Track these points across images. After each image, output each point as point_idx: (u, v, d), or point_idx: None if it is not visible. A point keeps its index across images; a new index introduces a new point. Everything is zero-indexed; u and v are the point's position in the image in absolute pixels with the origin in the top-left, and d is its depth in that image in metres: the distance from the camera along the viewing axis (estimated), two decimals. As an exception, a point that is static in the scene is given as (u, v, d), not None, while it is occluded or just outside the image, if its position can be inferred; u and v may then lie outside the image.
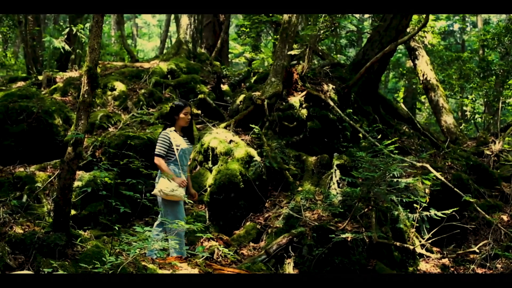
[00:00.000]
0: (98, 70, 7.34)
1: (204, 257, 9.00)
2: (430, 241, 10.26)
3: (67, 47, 21.37)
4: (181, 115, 8.45)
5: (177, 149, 8.35)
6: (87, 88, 6.93)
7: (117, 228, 7.58)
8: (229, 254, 8.77)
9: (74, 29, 21.62)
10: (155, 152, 8.34)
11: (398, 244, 9.87)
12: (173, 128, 8.47)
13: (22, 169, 12.23)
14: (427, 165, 11.60)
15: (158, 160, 8.30)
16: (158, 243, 5.67)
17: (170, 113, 8.62)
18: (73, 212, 9.80)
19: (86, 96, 6.94)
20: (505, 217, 12.07)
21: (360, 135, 14.05)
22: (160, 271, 7.32)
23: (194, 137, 9.05)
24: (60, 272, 5.37)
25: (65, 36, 22.33)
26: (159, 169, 8.31)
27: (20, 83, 19.50)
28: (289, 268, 9.31)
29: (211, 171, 11.75)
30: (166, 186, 8.09)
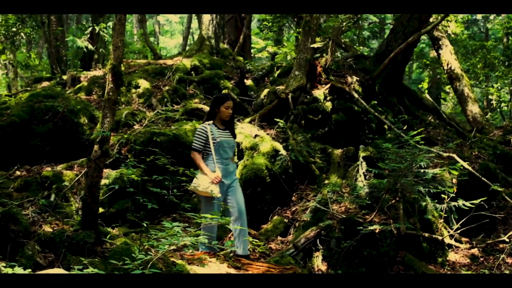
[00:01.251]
0: (122, 68, 7.35)
1: (232, 252, 9.03)
2: (458, 232, 10.20)
3: (90, 46, 21.48)
4: (222, 109, 8.25)
5: (214, 143, 8.16)
6: (112, 86, 6.95)
7: (145, 225, 7.62)
8: (258, 246, 8.76)
9: (97, 28, 21.74)
10: (192, 146, 8.25)
11: (426, 235, 9.83)
12: (211, 121, 8.32)
13: (49, 169, 12.30)
14: (454, 155, 11.52)
15: (193, 155, 8.19)
16: (187, 237, 5.63)
17: (211, 105, 8.45)
18: (100, 210, 9.84)
19: (111, 93, 6.96)
20: (534, 205, 11.97)
21: (386, 126, 13.98)
22: (188, 267, 7.34)
23: (235, 131, 8.82)
24: (91, 269, 5.39)
25: (88, 36, 22.45)
26: (195, 163, 8.20)
27: (45, 83, 19.61)
28: (318, 261, 9.30)
29: (237, 166, 11.75)
30: (202, 182, 7.99)
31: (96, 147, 6.99)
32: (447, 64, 17.89)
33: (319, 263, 9.28)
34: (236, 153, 8.79)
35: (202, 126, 8.25)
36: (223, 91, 15.74)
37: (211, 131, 8.18)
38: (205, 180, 7.96)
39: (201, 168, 8.04)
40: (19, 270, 5.35)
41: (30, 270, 5.47)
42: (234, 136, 8.63)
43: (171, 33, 53.40)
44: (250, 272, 8.19)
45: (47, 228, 7.60)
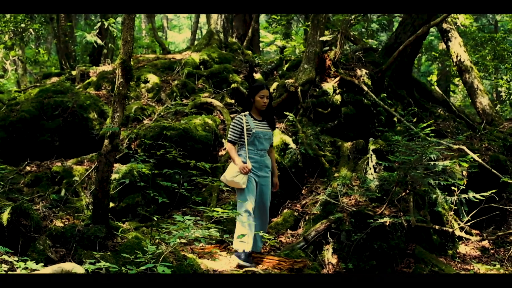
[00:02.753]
0: (132, 62, 7.34)
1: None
2: (469, 224, 10.19)
3: (99, 41, 21.49)
4: (257, 98, 7.97)
5: (249, 134, 7.93)
6: (121, 80, 6.96)
7: (155, 219, 7.63)
8: (269, 240, 8.77)
9: (106, 23, 21.75)
10: (227, 138, 8.09)
11: (436, 227, 9.82)
12: (247, 112, 8.10)
13: (59, 164, 12.33)
14: (464, 147, 11.51)
15: (227, 145, 8.05)
16: (199, 231, 5.63)
17: (247, 95, 8.24)
18: (111, 204, 9.86)
19: (121, 88, 6.97)
20: (544, 197, 11.95)
21: (395, 119, 13.98)
22: (199, 261, 7.36)
23: (274, 122, 8.51)
24: (102, 263, 5.41)
25: (97, 31, 22.47)
26: (228, 154, 8.25)
27: (54, 79, 19.64)
28: (328, 254, 9.31)
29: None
30: (229, 172, 7.84)
31: (106, 141, 7.01)
32: (456, 56, 17.83)
33: (329, 256, 9.29)
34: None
35: (238, 117, 8.05)
36: (232, 85, 15.73)
37: (247, 122, 7.97)
38: (233, 170, 7.81)
39: (232, 158, 7.91)
40: (31, 265, 5.38)
41: (42, 264, 5.49)
42: (273, 127, 8.38)
43: (179, 27, 53.37)
44: (260, 266, 8.21)
45: (58, 223, 7.62)
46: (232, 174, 7.76)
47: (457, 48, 17.98)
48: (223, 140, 12.96)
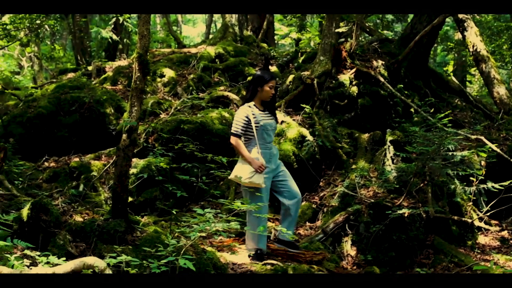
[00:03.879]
0: (148, 56, 7.34)
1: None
2: (488, 214, 10.13)
3: (114, 36, 21.56)
4: (266, 88, 7.42)
5: (257, 127, 7.35)
6: (138, 74, 6.96)
7: (174, 213, 7.64)
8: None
9: (121, 19, 21.80)
10: (231, 131, 7.40)
11: (455, 218, 9.77)
12: (252, 103, 7.50)
13: (77, 159, 12.39)
14: (482, 137, 11.44)
15: (234, 140, 7.34)
16: (219, 224, 5.61)
17: (252, 84, 7.57)
18: (129, 199, 9.89)
19: (138, 82, 6.97)
20: None
21: (412, 110, 13.93)
22: (218, 254, 7.37)
23: (276, 113, 7.93)
24: (124, 257, 5.42)
25: (112, 26, 22.53)
26: (236, 150, 7.43)
27: (70, 75, 19.71)
28: (347, 246, 9.31)
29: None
30: (243, 171, 7.25)
31: (124, 136, 7.02)
32: (473, 46, 17.70)
33: (348, 248, 9.28)
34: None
35: (243, 108, 7.42)
36: (248, 78, 15.74)
37: (253, 114, 7.39)
38: (248, 169, 7.23)
39: (244, 156, 7.27)
40: (53, 259, 5.40)
41: (64, 259, 5.52)
42: (276, 118, 7.82)
43: (193, 21, 53.37)
44: (279, 258, 8.21)
45: (78, 218, 7.65)
46: (247, 175, 7.20)
47: (473, 37, 17.87)
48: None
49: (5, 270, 4.72)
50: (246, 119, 7.33)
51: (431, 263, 8.95)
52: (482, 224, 10.16)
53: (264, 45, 21.28)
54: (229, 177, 7.52)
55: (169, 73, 16.45)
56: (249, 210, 7.41)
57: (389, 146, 11.26)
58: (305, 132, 11.78)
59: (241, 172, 7.25)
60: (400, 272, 8.72)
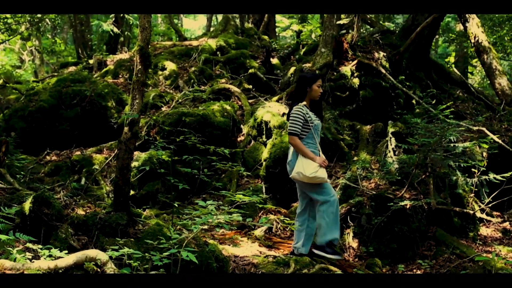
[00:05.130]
0: (149, 49, 7.33)
1: (263, 231, 9.05)
2: (490, 205, 10.13)
3: (115, 29, 21.54)
4: (315, 87, 7.49)
5: (312, 125, 7.38)
6: (140, 67, 6.95)
7: (176, 206, 7.64)
8: (289, 224, 8.75)
9: (122, 12, 21.76)
10: (289, 130, 7.33)
11: (457, 209, 9.77)
12: (304, 102, 7.49)
13: (78, 153, 12.41)
14: (484, 129, 11.43)
15: (293, 139, 7.29)
16: (221, 216, 5.60)
17: (301, 85, 7.59)
18: (131, 192, 9.90)
19: (139, 75, 6.96)
20: None
21: (414, 101, 13.92)
22: (220, 247, 7.37)
23: (322, 113, 8.01)
24: (126, 249, 5.43)
25: (113, 19, 22.51)
26: (295, 149, 7.34)
27: (71, 68, 19.74)
28: (349, 238, 9.30)
29: (265, 145, 11.76)
30: (307, 168, 7.17)
31: (126, 129, 7.02)
32: (474, 37, 17.67)
33: (350, 240, 9.28)
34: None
35: (299, 108, 7.38)
36: (250, 71, 15.73)
37: (307, 114, 7.39)
38: (312, 165, 7.17)
39: (305, 153, 7.22)
40: (55, 252, 5.41)
41: (65, 252, 5.52)
42: (322, 117, 7.86)
43: (194, 14, 53.27)
44: (281, 251, 8.22)
45: (80, 211, 7.65)
46: (312, 170, 7.12)
47: (475, 29, 17.84)
48: (241, 126, 12.96)
49: (7, 263, 4.73)
50: (303, 119, 7.31)
51: (433, 254, 8.95)
52: (484, 216, 10.17)
53: (266, 37, 21.28)
54: (290, 176, 7.41)
55: (170, 66, 16.45)
56: (318, 206, 7.34)
57: (390, 137, 11.25)
58: (307, 124, 11.77)
59: (305, 168, 7.18)
60: (402, 264, 8.72)
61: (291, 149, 7.51)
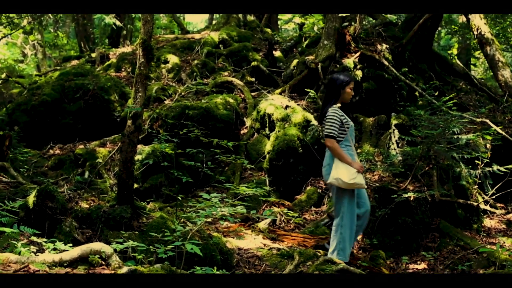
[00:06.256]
0: (152, 42, 7.33)
1: (267, 223, 9.06)
2: (493, 197, 10.13)
3: (118, 23, 21.50)
4: (348, 90, 7.32)
5: (348, 127, 7.24)
6: (142, 60, 6.96)
7: (180, 199, 7.65)
8: (293, 217, 8.75)
9: (124, 5, 21.72)
10: (326, 133, 7.10)
11: (461, 201, 9.77)
12: (338, 105, 7.30)
13: (82, 146, 12.42)
14: (487, 120, 11.41)
15: (331, 142, 7.05)
16: (225, 208, 5.58)
17: (334, 87, 7.38)
18: (135, 185, 9.92)
19: (142, 68, 6.97)
20: None
21: (417, 93, 13.89)
22: (224, 239, 7.38)
23: (352, 115, 7.87)
24: (130, 242, 5.43)
25: (116, 12, 22.48)
26: (333, 152, 7.11)
27: (74, 62, 19.75)
28: (353, 230, 9.31)
29: (268, 137, 11.76)
30: (345, 173, 6.97)
31: (129, 122, 7.03)
32: (477, 29, 17.63)
33: (353, 232, 9.28)
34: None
35: (335, 110, 7.19)
36: (252, 63, 15.72)
37: (342, 115, 7.22)
38: (350, 171, 6.98)
39: (343, 158, 7.02)
40: (60, 246, 5.42)
41: (70, 245, 5.53)
42: (352, 119, 7.67)
43: (197, 7, 53.15)
44: (285, 243, 8.23)
45: (84, 205, 7.67)
46: (351, 176, 6.94)
47: (478, 20, 17.81)
48: (244, 119, 12.97)
49: (12, 257, 4.74)
50: (340, 121, 7.15)
51: (437, 246, 8.95)
52: (487, 207, 10.17)
53: (268, 30, 21.27)
54: (327, 181, 7.19)
55: (173, 59, 16.45)
56: (343, 213, 7.17)
57: (394, 129, 11.24)
58: (310, 116, 11.76)
59: (343, 174, 6.97)
60: (406, 256, 8.73)
61: (328, 153, 7.30)
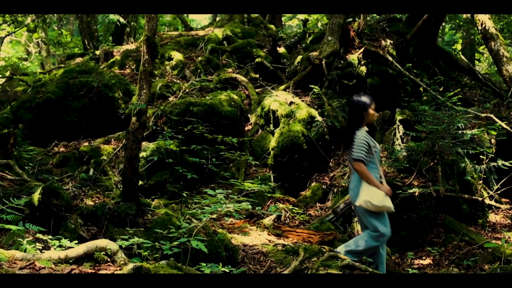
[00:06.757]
0: (156, 39, 7.34)
1: (272, 219, 9.06)
2: (498, 192, 10.12)
3: (122, 20, 21.51)
4: (371, 111, 7.27)
5: (375, 151, 7.22)
6: (147, 57, 6.96)
7: (185, 195, 7.65)
8: (298, 214, 8.75)
9: (127, 2, 21.73)
10: (355, 157, 7.03)
11: (466, 196, 9.76)
12: (366, 128, 7.24)
13: (86, 144, 12.43)
14: (492, 115, 11.39)
15: (359, 166, 6.99)
16: (231, 204, 5.58)
17: (358, 110, 7.29)
18: (139, 182, 9.92)
19: (146, 65, 6.97)
20: None
21: (421, 89, 13.87)
22: (229, 236, 7.38)
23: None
24: (135, 239, 5.44)
25: (119, 10, 22.46)
26: (361, 176, 7.06)
27: (78, 59, 19.78)
28: (358, 226, 9.29)
29: (273, 134, 11.76)
30: (374, 196, 6.92)
31: (133, 119, 7.03)
32: (481, 24, 17.59)
33: (358, 228, 9.27)
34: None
35: (364, 134, 7.14)
36: (256, 60, 15.71)
37: (370, 139, 7.18)
38: (379, 194, 6.93)
39: (371, 181, 6.97)
40: (65, 243, 5.42)
41: (75, 242, 5.54)
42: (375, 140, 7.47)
43: (200, 4, 53.17)
44: (290, 239, 8.22)
45: (89, 202, 7.68)
46: (380, 199, 6.91)
47: (482, 15, 17.79)
48: (249, 115, 12.97)
49: (18, 254, 4.75)
50: (368, 145, 7.10)
51: (442, 242, 8.96)
52: (492, 202, 10.17)
53: (272, 26, 21.25)
54: (357, 203, 7.07)
55: (177, 56, 16.46)
56: (371, 231, 7.06)
57: (398, 125, 11.22)
58: (314, 112, 11.76)
59: (372, 197, 6.93)
60: (411, 251, 8.73)
61: (354, 176, 7.23)
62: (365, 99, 7.35)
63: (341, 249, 7.17)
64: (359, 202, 6.98)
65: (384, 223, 7.05)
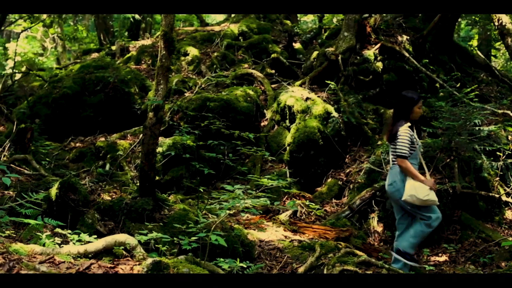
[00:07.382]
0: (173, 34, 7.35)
1: (288, 215, 9.06)
2: (515, 189, 10.09)
3: (137, 16, 21.55)
4: (416, 109, 7.35)
5: (418, 146, 7.35)
6: (164, 52, 6.98)
7: (201, 191, 7.66)
8: (315, 209, 8.74)
9: (143, -3, 21.76)
10: (400, 153, 7.13)
11: (482, 193, 9.72)
12: (409, 123, 7.28)
13: (102, 139, 12.48)
14: (509, 112, 11.36)
15: (403, 162, 7.11)
16: (249, 200, 5.58)
17: (405, 105, 7.43)
18: (156, 177, 9.94)
19: (163, 60, 6.99)
20: None
21: (438, 85, 13.81)
22: (246, 231, 7.40)
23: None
24: (154, 234, 5.46)
25: (135, 5, 22.50)
26: (405, 172, 7.16)
27: (94, 55, 19.84)
28: (374, 222, 9.31)
29: (289, 129, 11.75)
30: (420, 191, 7.00)
31: (151, 114, 7.05)
32: (498, 20, 17.51)
33: (375, 224, 9.28)
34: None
35: (407, 130, 7.23)
36: (272, 55, 15.71)
37: (412, 135, 7.28)
38: (424, 188, 7.01)
39: (416, 176, 7.09)
40: (84, 237, 5.45)
41: (95, 236, 5.57)
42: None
43: None
44: (306, 235, 8.23)
45: (106, 197, 7.71)
46: (425, 193, 7.00)
47: (499, 11, 17.71)
48: (265, 111, 12.97)
49: (37, 248, 4.77)
50: (411, 141, 7.20)
51: (458, 238, 8.93)
52: (509, 199, 10.11)
53: (288, 22, 21.24)
54: (402, 198, 7.11)
55: (193, 51, 16.48)
56: (426, 220, 7.19)
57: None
58: (330, 108, 11.75)
59: (418, 191, 7.02)
60: (427, 248, 8.71)
61: (393, 171, 7.34)
62: (413, 95, 7.49)
63: (395, 245, 7.29)
64: (405, 197, 7.06)
65: (434, 209, 7.18)
